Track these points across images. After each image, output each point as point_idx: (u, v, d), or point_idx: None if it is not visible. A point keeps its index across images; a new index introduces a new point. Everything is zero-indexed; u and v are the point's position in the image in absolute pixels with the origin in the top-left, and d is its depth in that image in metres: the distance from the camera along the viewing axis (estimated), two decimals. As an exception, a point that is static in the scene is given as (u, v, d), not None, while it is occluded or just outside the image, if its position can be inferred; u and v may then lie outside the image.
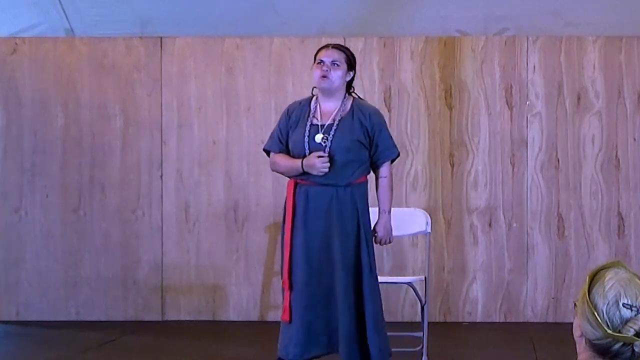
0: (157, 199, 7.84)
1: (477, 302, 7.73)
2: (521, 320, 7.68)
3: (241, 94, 7.82)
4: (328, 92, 5.37)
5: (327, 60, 5.35)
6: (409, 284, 6.38)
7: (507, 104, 7.71)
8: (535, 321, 7.68)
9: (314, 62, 5.42)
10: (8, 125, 7.89)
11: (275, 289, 7.75)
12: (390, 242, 5.50)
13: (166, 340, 7.19)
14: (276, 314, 7.69)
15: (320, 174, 5.26)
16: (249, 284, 7.80)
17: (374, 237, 5.41)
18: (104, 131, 7.86)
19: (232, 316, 7.84)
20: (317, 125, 5.33)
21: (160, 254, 7.84)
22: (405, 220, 6.07)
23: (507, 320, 7.70)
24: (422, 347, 6.29)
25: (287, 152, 5.42)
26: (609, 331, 2.42)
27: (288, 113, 5.46)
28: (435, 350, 6.41)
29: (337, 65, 5.35)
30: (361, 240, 5.29)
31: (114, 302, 7.86)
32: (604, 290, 2.46)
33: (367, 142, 5.36)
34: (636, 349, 2.43)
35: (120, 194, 7.85)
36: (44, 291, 7.87)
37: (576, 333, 2.52)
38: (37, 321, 7.79)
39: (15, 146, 7.88)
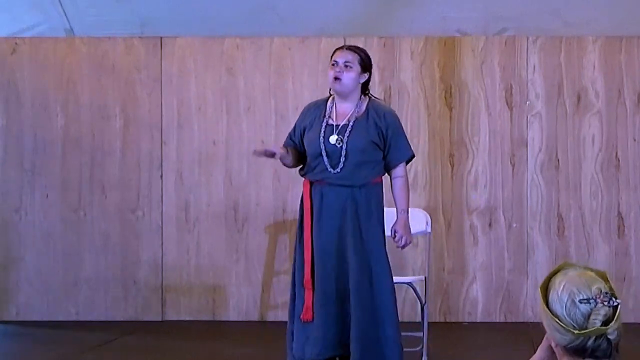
0: (157, 199, 7.84)
1: (477, 302, 7.73)
2: (521, 320, 7.67)
3: (241, 94, 7.82)
4: (342, 94, 5.36)
5: (340, 62, 5.33)
6: (409, 284, 6.38)
7: (507, 104, 7.71)
8: (535, 321, 7.63)
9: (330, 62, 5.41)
10: (8, 125, 7.89)
11: (275, 288, 7.75)
12: (410, 243, 5.44)
13: (166, 340, 7.18)
14: (276, 314, 7.70)
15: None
16: (249, 284, 7.80)
17: (393, 238, 5.39)
18: (104, 131, 7.86)
19: (232, 316, 7.84)
20: (332, 125, 5.33)
21: (160, 254, 7.84)
22: (405, 220, 6.06)
23: (507, 320, 7.69)
24: (422, 347, 6.29)
25: (300, 149, 5.44)
26: (576, 331, 2.43)
27: (305, 113, 5.49)
28: (435, 350, 6.41)
29: (350, 67, 5.32)
30: (376, 241, 5.28)
31: (114, 302, 7.86)
32: (558, 295, 2.47)
33: (381, 143, 5.35)
34: (610, 337, 2.43)
35: (120, 194, 7.84)
36: (44, 291, 7.86)
37: (552, 343, 2.52)
38: (37, 321, 7.78)
39: (15, 146, 7.88)
